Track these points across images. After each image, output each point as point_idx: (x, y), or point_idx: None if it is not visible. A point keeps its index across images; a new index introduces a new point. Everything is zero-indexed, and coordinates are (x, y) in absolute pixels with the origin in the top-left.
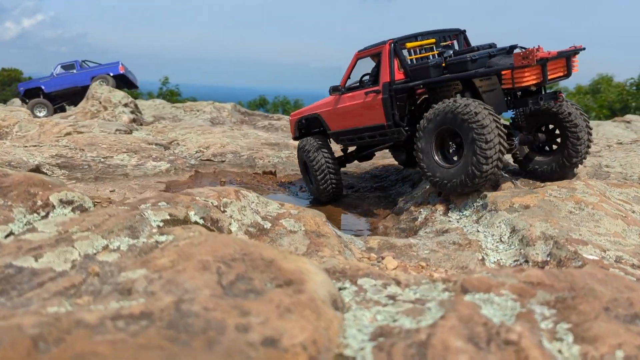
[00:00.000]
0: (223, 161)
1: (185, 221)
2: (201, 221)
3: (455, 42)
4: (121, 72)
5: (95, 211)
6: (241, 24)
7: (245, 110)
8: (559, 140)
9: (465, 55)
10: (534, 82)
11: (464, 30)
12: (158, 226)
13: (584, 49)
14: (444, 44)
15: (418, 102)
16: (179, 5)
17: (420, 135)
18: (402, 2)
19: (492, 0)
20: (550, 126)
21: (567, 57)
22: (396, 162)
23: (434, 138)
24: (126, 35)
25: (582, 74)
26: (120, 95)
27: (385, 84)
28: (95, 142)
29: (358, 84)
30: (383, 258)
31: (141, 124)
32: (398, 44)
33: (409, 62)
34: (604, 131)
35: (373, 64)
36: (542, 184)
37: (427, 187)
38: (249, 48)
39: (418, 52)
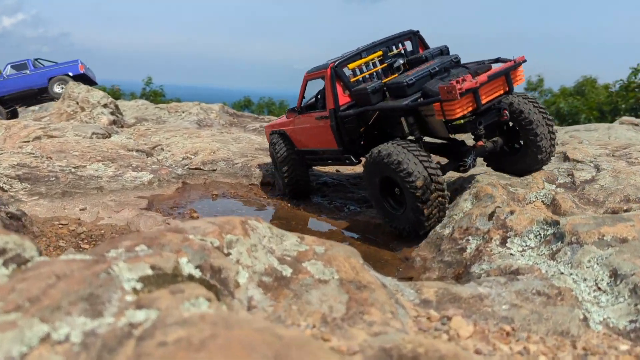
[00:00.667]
0: (214, 170)
1: (175, 275)
2: (198, 273)
3: (408, 45)
4: (81, 71)
5: (37, 269)
6: (225, 25)
7: (234, 111)
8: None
9: (401, 80)
10: (467, 111)
11: (417, 32)
12: (134, 289)
13: (525, 60)
14: (393, 53)
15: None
16: (163, 5)
17: (365, 183)
18: (387, 2)
19: (477, 1)
20: (511, 124)
21: (505, 75)
22: None
23: (378, 185)
24: (109, 34)
25: (567, 75)
26: (99, 95)
27: (331, 111)
28: (66, 148)
29: (314, 99)
30: (449, 319)
31: (122, 126)
32: (338, 68)
33: (353, 84)
34: (617, 134)
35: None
36: (624, 207)
37: (469, 205)
38: (233, 49)
39: (364, 69)
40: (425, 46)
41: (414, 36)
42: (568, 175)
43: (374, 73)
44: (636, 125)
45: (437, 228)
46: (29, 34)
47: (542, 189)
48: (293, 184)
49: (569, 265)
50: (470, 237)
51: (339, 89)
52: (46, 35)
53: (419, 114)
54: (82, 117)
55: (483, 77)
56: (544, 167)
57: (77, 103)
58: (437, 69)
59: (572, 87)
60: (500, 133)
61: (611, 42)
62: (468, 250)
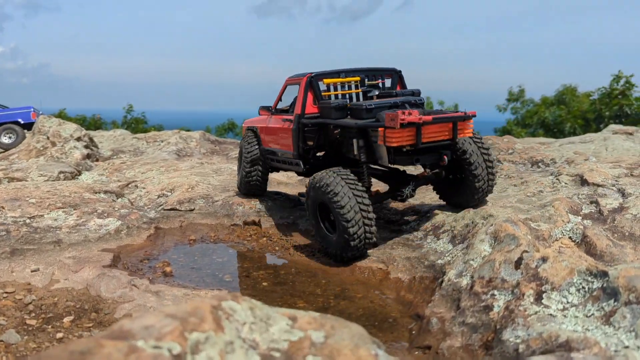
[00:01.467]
0: (192, 209)
1: None
2: None
3: (387, 81)
4: (33, 119)
5: None
6: (207, 49)
7: (215, 138)
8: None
9: (362, 103)
10: (405, 143)
11: (399, 71)
12: None
13: (475, 115)
14: (371, 83)
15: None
16: (143, 33)
17: (306, 206)
18: (364, 23)
19: (451, 18)
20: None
21: (453, 123)
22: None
23: (317, 209)
24: (89, 63)
25: (547, 85)
26: (72, 128)
27: (296, 115)
28: (22, 195)
29: (288, 107)
30: None
31: (97, 160)
32: (314, 79)
33: (324, 97)
34: (614, 145)
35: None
36: None
37: (487, 248)
38: (214, 73)
39: (340, 88)
40: (403, 85)
41: (395, 74)
42: (591, 202)
43: (347, 95)
44: (630, 134)
45: (452, 277)
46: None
47: (568, 222)
48: (251, 182)
49: (633, 334)
50: (495, 292)
51: (310, 98)
52: (25, 67)
53: (368, 138)
54: (53, 153)
55: (428, 117)
56: (565, 195)
57: (48, 138)
58: (398, 103)
59: (553, 96)
60: (452, 165)
61: (589, 51)
62: (495, 309)
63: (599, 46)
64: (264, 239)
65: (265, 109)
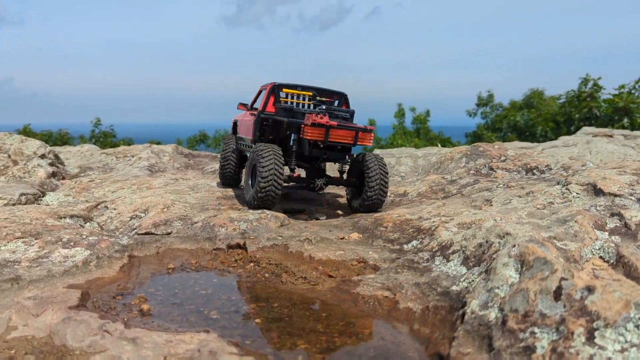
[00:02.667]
0: (169, 233)
1: None
2: None
3: (336, 101)
4: None
5: None
6: (174, 60)
7: (189, 151)
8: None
9: (300, 108)
10: (317, 138)
11: (346, 94)
12: None
13: (373, 129)
14: (320, 99)
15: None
16: (109, 45)
17: (246, 170)
18: (334, 32)
19: (419, 26)
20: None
21: (355, 131)
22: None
23: (251, 169)
24: (55, 77)
25: (515, 89)
26: (35, 144)
27: (259, 111)
28: None
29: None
30: None
31: (63, 178)
32: (277, 87)
33: (280, 103)
34: (598, 148)
35: None
36: None
37: (513, 274)
38: (184, 84)
39: (295, 98)
40: (347, 106)
41: (342, 97)
42: (613, 215)
43: (300, 104)
44: (610, 136)
45: (476, 309)
46: None
47: (596, 239)
48: (227, 175)
49: None
50: (536, 329)
51: (271, 100)
52: None
53: (299, 134)
54: (15, 172)
55: (334, 123)
56: (580, 207)
57: (9, 156)
58: (325, 112)
59: (522, 100)
60: (359, 175)
61: (555, 55)
62: (539, 351)
63: (565, 50)
64: (251, 264)
65: (243, 105)
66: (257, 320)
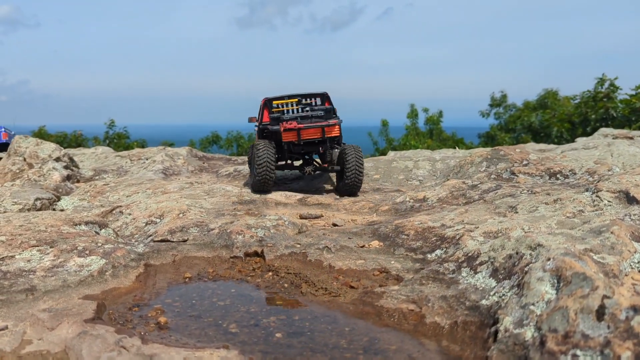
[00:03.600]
0: (185, 240)
1: None
2: None
3: (318, 100)
4: (4, 140)
5: None
6: (186, 62)
7: (203, 154)
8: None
9: (284, 117)
10: (292, 140)
11: (326, 93)
12: None
13: (335, 124)
14: (305, 102)
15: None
16: (122, 47)
17: (248, 159)
18: (345, 33)
19: (431, 26)
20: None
21: (322, 128)
22: None
23: (251, 162)
24: (70, 79)
25: (529, 89)
26: (50, 147)
27: (259, 123)
28: None
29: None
30: None
31: (78, 181)
32: (268, 101)
33: (273, 113)
34: (619, 151)
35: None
36: None
37: (550, 290)
38: (196, 85)
39: (284, 106)
40: (330, 102)
41: (323, 96)
42: None
43: (291, 110)
44: (631, 138)
45: (510, 326)
46: None
47: (635, 252)
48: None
49: None
50: (578, 352)
51: (266, 112)
52: (4, 85)
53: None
54: (30, 175)
55: (301, 125)
56: (614, 216)
57: (25, 159)
58: (308, 115)
59: (535, 100)
60: (342, 163)
61: (569, 55)
62: None
63: (579, 50)
64: (270, 273)
65: (253, 117)
66: (278, 335)
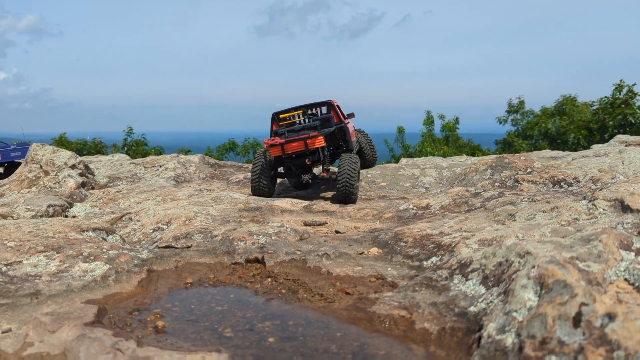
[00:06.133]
0: (189, 246)
1: None
2: None
3: (324, 109)
4: None
5: None
6: (206, 70)
7: (215, 161)
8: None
9: (283, 131)
10: (277, 154)
11: (329, 102)
12: None
13: (315, 136)
14: (309, 113)
15: None
16: (143, 55)
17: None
18: (364, 40)
19: (449, 33)
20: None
21: (304, 140)
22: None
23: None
24: (91, 86)
25: (547, 96)
26: (66, 155)
27: (272, 131)
28: (0, 237)
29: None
30: None
31: (92, 188)
32: (276, 114)
33: (279, 126)
34: (631, 158)
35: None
36: None
37: (533, 297)
38: (215, 92)
39: (290, 118)
40: (335, 112)
41: (328, 105)
42: None
43: (298, 122)
44: None
45: (493, 332)
46: (10, 92)
47: (621, 260)
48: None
49: None
50: (553, 358)
51: (275, 124)
52: (28, 92)
53: None
54: (45, 183)
55: (282, 140)
56: (607, 225)
57: (41, 167)
58: (297, 129)
59: (553, 106)
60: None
61: (587, 62)
62: None
63: (598, 57)
64: (269, 279)
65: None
66: (271, 339)
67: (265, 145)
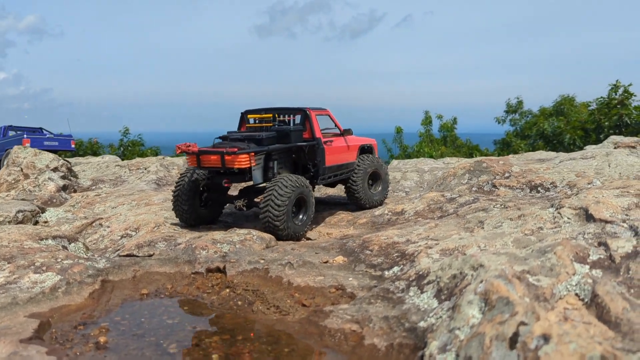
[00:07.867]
0: (151, 255)
1: None
2: None
3: (298, 117)
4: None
5: None
6: (206, 70)
7: None
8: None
9: (226, 136)
10: (193, 165)
11: (305, 110)
12: None
13: (236, 151)
14: (280, 119)
15: None
16: (143, 55)
17: None
18: (364, 40)
19: (449, 33)
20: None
21: (221, 155)
22: None
23: None
24: (90, 87)
25: (546, 95)
26: (48, 158)
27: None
28: None
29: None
30: None
31: (74, 191)
32: (245, 113)
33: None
34: (617, 161)
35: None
36: None
37: (476, 314)
38: (215, 93)
39: (257, 121)
40: (310, 124)
41: (303, 113)
42: (600, 245)
43: (264, 127)
44: (633, 147)
45: (435, 351)
46: (10, 92)
47: (573, 274)
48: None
49: None
50: None
51: (244, 124)
52: (27, 92)
53: None
54: (25, 186)
55: (195, 150)
56: (569, 238)
57: (22, 170)
58: (241, 138)
59: (551, 106)
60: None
61: (586, 62)
62: None
63: (596, 56)
64: (227, 290)
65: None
66: (214, 357)
67: (178, 151)
